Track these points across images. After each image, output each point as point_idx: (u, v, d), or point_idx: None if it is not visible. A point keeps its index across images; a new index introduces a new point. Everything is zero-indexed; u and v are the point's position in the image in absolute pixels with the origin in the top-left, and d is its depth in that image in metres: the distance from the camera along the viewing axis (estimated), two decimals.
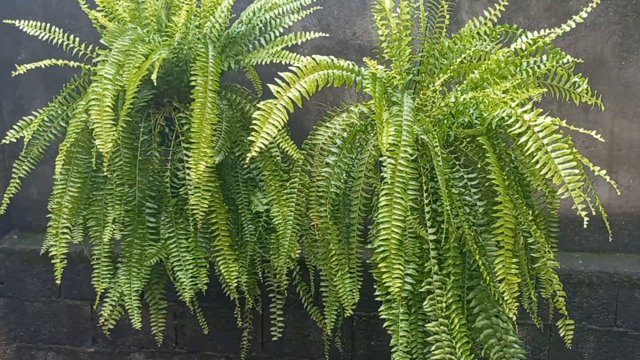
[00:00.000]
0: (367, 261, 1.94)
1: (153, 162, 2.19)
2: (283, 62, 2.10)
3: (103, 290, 2.27)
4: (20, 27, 2.27)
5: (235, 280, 2.18)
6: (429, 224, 1.83)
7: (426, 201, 1.82)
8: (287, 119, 1.62)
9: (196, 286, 2.20)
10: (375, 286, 1.89)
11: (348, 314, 2.08)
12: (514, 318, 1.80)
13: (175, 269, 2.20)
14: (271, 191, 2.14)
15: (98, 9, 2.15)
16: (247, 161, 1.71)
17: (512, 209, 1.70)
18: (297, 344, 2.95)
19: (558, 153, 1.52)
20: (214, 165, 1.98)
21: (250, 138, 1.60)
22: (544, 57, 1.89)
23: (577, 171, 1.51)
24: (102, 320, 2.35)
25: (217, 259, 2.18)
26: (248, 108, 2.24)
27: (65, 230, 2.15)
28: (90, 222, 2.23)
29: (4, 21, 2.41)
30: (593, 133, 1.72)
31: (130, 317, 2.27)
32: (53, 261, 2.15)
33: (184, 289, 2.18)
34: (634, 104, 2.63)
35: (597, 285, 2.69)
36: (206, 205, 2.03)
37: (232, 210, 2.27)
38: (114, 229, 2.16)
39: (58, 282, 2.14)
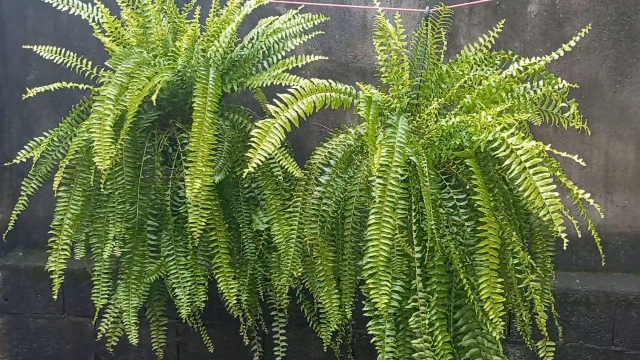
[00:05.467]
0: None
1: (155, 181, 2.24)
2: (283, 84, 2.15)
3: (102, 306, 2.30)
4: (38, 52, 2.34)
5: (235, 298, 2.21)
6: (415, 242, 1.85)
7: (414, 220, 1.86)
8: (284, 137, 1.67)
9: (194, 304, 2.22)
10: (364, 302, 1.91)
11: (332, 328, 2.17)
12: (498, 337, 1.81)
13: (174, 286, 2.23)
14: (272, 210, 2.18)
15: (106, 34, 2.22)
16: (244, 177, 1.75)
17: (498, 230, 1.74)
18: None
19: (539, 176, 1.56)
20: (213, 184, 2.03)
21: (247, 154, 1.65)
22: (540, 82, 1.94)
23: (557, 194, 1.54)
24: (100, 335, 2.39)
25: (217, 276, 2.21)
26: (250, 128, 2.29)
27: (65, 247, 2.20)
28: (92, 239, 2.27)
29: (23, 46, 2.48)
30: (575, 157, 1.70)
31: (128, 333, 2.31)
32: (51, 277, 2.20)
33: (181, 306, 2.21)
34: (629, 126, 2.68)
35: (594, 304, 2.71)
36: (204, 223, 2.07)
37: (234, 228, 2.31)
38: (114, 246, 2.20)
39: (55, 297, 2.20)
